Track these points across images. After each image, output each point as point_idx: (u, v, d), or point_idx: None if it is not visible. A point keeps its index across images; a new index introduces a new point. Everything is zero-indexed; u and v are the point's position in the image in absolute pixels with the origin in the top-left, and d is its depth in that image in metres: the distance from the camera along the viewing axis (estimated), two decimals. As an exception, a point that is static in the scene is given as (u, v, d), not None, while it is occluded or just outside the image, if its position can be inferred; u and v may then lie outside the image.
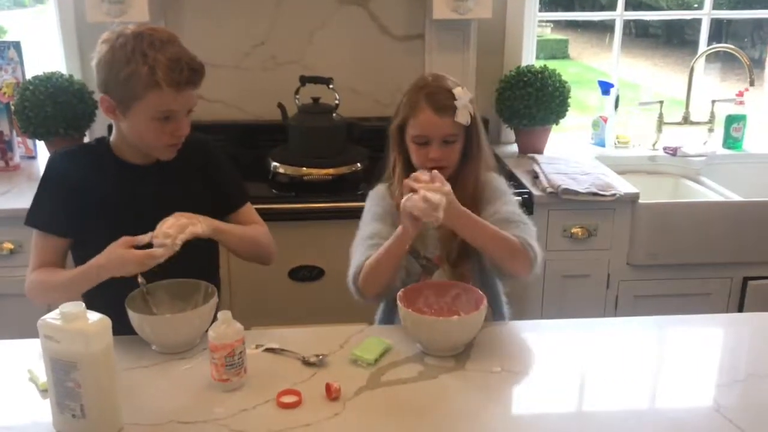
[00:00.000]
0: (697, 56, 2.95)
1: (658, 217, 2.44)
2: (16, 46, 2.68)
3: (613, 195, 2.36)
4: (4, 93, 2.66)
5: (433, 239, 1.68)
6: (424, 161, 1.64)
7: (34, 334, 1.35)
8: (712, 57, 3.10)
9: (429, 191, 1.45)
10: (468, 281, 1.66)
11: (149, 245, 1.47)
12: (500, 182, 1.73)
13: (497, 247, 1.55)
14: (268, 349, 1.51)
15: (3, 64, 2.68)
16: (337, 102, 2.55)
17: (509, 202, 1.68)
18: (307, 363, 1.46)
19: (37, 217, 1.64)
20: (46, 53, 3.02)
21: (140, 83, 1.48)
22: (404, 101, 1.68)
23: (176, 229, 1.47)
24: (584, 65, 10.44)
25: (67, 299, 1.43)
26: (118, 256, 1.47)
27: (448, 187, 1.49)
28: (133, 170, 1.63)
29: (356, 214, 1.76)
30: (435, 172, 1.51)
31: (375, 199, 1.74)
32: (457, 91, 1.62)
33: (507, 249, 1.55)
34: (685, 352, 1.56)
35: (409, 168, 1.67)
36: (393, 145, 1.71)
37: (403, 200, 1.49)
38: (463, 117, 1.62)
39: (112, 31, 1.54)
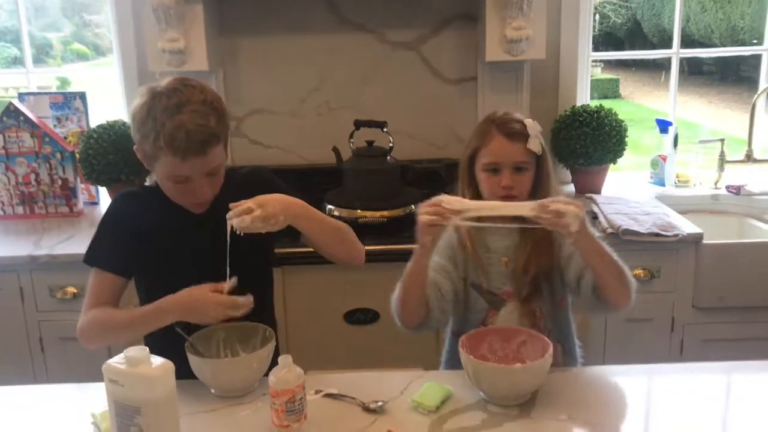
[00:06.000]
0: (758, 93, 2.87)
1: (724, 258, 2.36)
2: (82, 96, 2.79)
3: (676, 235, 2.29)
4: (70, 141, 2.75)
5: (499, 274, 1.65)
6: (495, 189, 1.62)
7: (96, 377, 1.36)
8: (774, 92, 3.02)
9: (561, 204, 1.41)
10: (539, 319, 1.62)
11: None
12: None
13: (610, 267, 1.52)
14: (327, 395, 1.50)
15: (69, 114, 2.78)
16: (391, 145, 2.56)
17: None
18: (367, 409, 1.44)
19: (96, 255, 1.64)
20: (108, 103, 3.13)
21: (150, 146, 1.49)
22: (474, 133, 1.68)
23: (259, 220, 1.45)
24: (636, 104, 10.35)
25: (125, 341, 1.44)
26: (199, 298, 1.46)
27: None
28: (187, 215, 1.61)
29: (411, 256, 1.74)
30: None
31: None
32: (528, 121, 1.63)
33: (617, 272, 1.52)
34: (755, 400, 1.49)
35: (477, 200, 1.64)
36: (462, 178, 1.69)
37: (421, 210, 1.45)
38: (535, 145, 1.61)
39: (145, 86, 1.53)
